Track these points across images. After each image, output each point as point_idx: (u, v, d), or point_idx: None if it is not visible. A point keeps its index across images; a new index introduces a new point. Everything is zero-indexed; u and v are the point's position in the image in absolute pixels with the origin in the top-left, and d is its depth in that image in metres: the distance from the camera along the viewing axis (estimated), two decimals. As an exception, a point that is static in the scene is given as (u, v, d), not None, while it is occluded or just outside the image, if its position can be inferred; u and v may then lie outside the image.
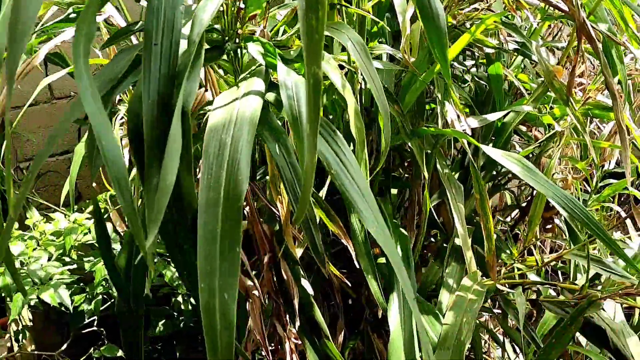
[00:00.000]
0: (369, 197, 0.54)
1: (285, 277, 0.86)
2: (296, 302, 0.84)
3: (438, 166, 0.97)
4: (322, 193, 0.88)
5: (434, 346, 0.84)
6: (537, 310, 1.21)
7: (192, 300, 1.27)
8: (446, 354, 0.76)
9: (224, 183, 0.48)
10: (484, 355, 1.36)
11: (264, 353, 0.93)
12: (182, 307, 1.26)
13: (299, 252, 0.89)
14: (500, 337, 1.23)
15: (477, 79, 1.09)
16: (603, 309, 1.07)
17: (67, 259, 1.26)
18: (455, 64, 1.12)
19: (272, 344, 0.97)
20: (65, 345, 1.27)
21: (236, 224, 0.45)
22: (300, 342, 0.88)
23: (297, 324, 0.85)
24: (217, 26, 0.61)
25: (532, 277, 1.05)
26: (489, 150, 0.79)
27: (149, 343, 1.32)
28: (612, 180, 1.16)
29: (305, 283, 0.87)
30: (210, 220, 0.46)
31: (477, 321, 1.28)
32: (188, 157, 0.48)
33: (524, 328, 1.07)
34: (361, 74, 0.71)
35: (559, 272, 1.31)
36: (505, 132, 1.02)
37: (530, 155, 1.09)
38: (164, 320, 1.29)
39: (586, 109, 1.03)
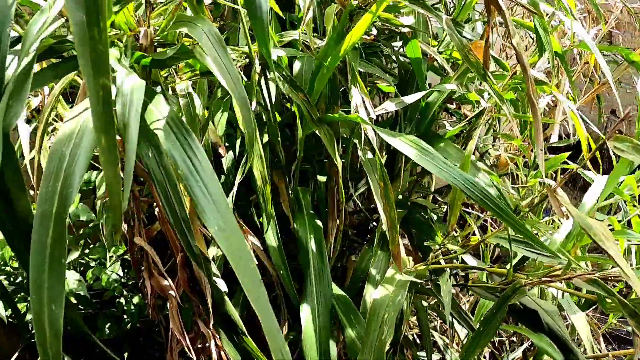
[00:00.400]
0: (217, 197, 0.57)
1: (197, 275, 0.90)
2: (209, 299, 0.89)
3: (360, 152, 0.99)
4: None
5: (350, 343, 0.88)
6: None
7: (134, 300, 1.32)
8: (368, 353, 0.77)
9: (57, 195, 0.52)
10: (438, 336, 1.41)
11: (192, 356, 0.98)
12: (125, 308, 1.32)
13: (212, 251, 0.94)
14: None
15: (401, 60, 1.11)
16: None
17: (9, 269, 1.32)
18: (382, 45, 1.15)
19: (200, 343, 1.02)
20: (16, 354, 1.33)
21: (62, 235, 0.49)
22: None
23: (211, 322, 0.89)
24: (70, 37, 0.65)
25: (469, 259, 1.08)
26: (384, 134, 0.82)
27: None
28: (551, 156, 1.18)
29: (218, 280, 0.91)
30: (42, 232, 0.50)
31: (427, 303, 1.33)
32: (16, 175, 0.52)
33: (460, 313, 1.11)
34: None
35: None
36: (429, 112, 1.04)
37: (461, 134, 1.11)
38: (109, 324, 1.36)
39: (515, 84, 1.06)
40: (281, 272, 0.89)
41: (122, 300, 1.33)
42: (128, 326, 1.38)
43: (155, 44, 0.85)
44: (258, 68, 0.90)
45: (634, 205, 1.11)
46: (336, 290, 0.92)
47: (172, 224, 0.70)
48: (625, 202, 1.15)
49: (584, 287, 0.83)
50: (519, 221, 0.80)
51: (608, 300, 0.84)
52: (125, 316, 1.39)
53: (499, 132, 1.16)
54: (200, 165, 0.59)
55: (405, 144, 0.79)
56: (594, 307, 1.83)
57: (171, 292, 0.93)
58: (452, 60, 1.17)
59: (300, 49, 1.03)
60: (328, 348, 0.85)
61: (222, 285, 0.92)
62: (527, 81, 0.90)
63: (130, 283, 1.34)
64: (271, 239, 0.89)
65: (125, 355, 1.40)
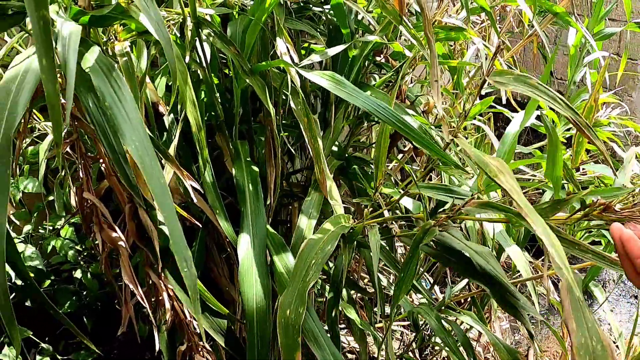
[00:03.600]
0: (136, 123, 0.70)
1: (145, 224, 1.04)
2: (156, 245, 1.02)
3: (292, 103, 1.12)
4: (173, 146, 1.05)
5: (279, 276, 1.00)
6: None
7: (91, 270, 1.45)
8: (291, 295, 0.86)
9: (4, 121, 0.65)
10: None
11: (145, 304, 1.11)
12: (84, 281, 1.44)
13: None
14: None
15: (330, 18, 1.25)
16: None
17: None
18: (312, 5, 1.30)
19: (154, 296, 1.15)
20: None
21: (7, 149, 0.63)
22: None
23: (160, 265, 1.02)
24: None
25: (408, 203, 1.22)
26: (303, 72, 0.96)
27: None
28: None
29: (164, 227, 1.05)
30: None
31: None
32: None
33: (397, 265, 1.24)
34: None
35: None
36: (355, 63, 1.19)
37: (390, 84, 1.26)
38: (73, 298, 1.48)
39: (435, 31, 1.21)
40: (217, 210, 1.02)
41: (79, 274, 1.46)
42: (87, 299, 1.51)
43: (94, 5, 0.99)
44: (190, 25, 1.04)
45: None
46: (270, 230, 1.05)
47: (112, 161, 0.83)
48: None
49: (475, 212, 0.89)
50: (438, 147, 0.94)
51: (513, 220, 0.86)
52: (84, 291, 1.52)
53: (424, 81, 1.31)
54: (123, 97, 0.73)
55: (321, 77, 0.93)
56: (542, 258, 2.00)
57: (121, 242, 1.06)
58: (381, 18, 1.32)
59: (235, 10, 1.17)
60: (266, 280, 0.97)
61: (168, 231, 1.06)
62: (423, 19, 1.02)
63: (85, 253, 1.47)
64: (207, 179, 1.03)
65: (89, 328, 1.53)
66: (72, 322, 1.56)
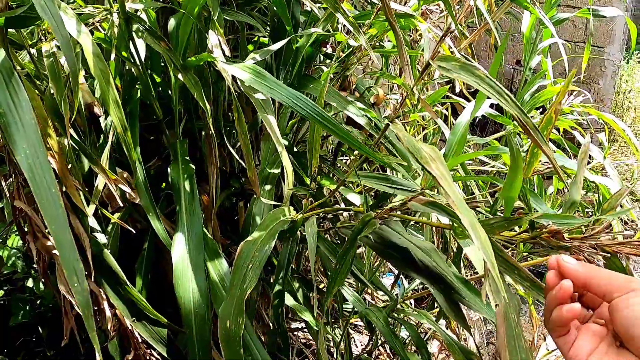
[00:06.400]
0: (29, 131, 0.65)
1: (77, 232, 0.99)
2: (89, 253, 0.97)
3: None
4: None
5: (217, 288, 0.95)
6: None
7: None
8: (230, 305, 0.80)
9: None
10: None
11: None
12: (35, 290, 1.39)
13: (91, 208, 1.02)
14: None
15: (274, 10, 1.20)
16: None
17: None
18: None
19: (95, 305, 1.10)
20: None
21: None
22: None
23: (93, 274, 0.97)
24: None
25: (354, 199, 1.17)
26: (225, 66, 0.90)
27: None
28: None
29: (98, 235, 1.00)
30: None
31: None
32: None
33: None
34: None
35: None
36: (299, 56, 1.14)
37: (337, 74, 1.21)
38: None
39: (384, 20, 1.16)
40: (150, 213, 0.97)
41: (31, 282, 1.41)
42: (42, 308, 1.46)
43: (14, 6, 0.93)
44: (117, 21, 0.99)
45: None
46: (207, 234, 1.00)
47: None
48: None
49: (420, 209, 0.83)
50: (358, 141, 0.88)
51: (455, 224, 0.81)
52: (38, 300, 1.47)
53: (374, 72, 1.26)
54: (19, 103, 0.67)
55: (242, 70, 0.87)
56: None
57: (55, 251, 1.02)
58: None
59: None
60: (203, 282, 0.92)
61: (102, 238, 1.02)
62: (384, 5, 0.97)
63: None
64: (139, 181, 0.98)
65: (44, 337, 1.48)
66: (28, 331, 1.53)
